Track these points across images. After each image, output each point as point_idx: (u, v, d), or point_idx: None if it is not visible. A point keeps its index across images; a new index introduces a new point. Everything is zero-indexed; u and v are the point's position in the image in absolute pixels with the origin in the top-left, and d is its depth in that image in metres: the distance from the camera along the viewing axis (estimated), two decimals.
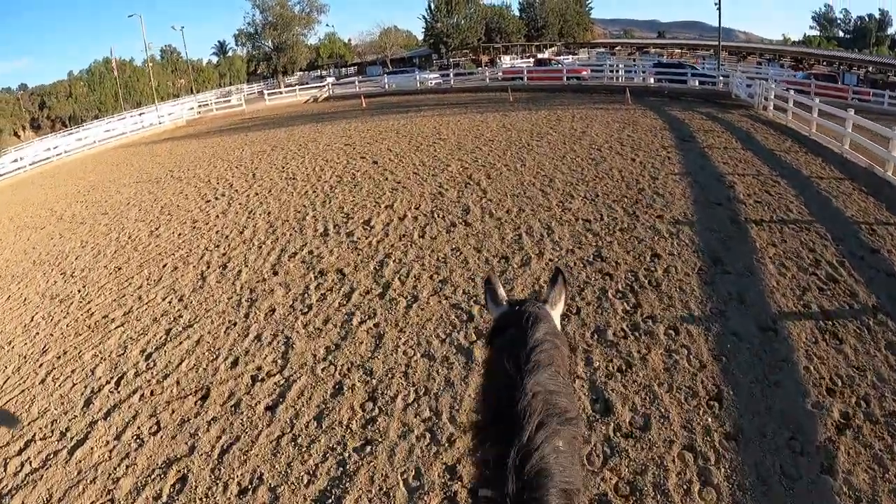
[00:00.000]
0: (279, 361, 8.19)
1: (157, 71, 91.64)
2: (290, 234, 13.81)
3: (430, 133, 25.23)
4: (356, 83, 54.46)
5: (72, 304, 11.86)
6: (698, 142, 19.27)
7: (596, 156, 17.87)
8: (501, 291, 2.38)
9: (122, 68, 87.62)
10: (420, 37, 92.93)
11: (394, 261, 11.20)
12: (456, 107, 34.78)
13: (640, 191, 13.95)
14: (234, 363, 8.32)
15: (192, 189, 21.05)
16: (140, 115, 55.25)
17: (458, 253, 11.18)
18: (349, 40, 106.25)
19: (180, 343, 9.20)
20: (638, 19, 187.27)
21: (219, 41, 76.97)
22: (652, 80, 38.74)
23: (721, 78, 35.85)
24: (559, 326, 2.24)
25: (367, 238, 12.70)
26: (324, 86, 55.63)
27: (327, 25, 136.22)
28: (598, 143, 19.62)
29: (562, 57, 65.63)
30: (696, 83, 36.52)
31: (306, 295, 10.25)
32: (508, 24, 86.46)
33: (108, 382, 8.26)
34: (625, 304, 8.62)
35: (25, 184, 34.09)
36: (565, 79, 41.72)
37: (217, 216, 16.69)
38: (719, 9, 47.62)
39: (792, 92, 23.08)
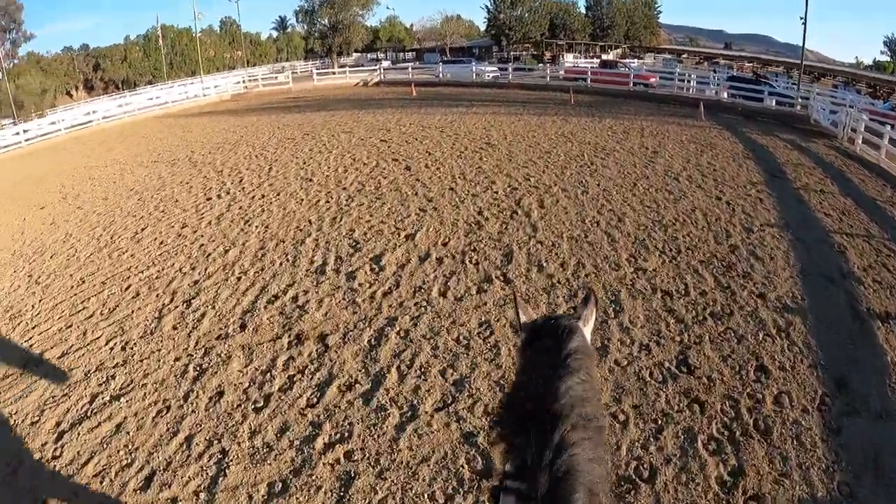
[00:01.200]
0: (201, 496, 5.40)
1: (215, 42, 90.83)
2: (280, 265, 10.84)
3: (479, 135, 22.02)
4: (409, 69, 51.22)
5: (19, 324, 9.72)
6: (790, 179, 15.63)
7: (673, 187, 14.48)
8: (529, 310, 2.46)
9: (177, 37, 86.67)
10: (482, 27, 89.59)
11: (397, 333, 8.04)
12: (511, 105, 31.35)
13: (733, 248, 10.54)
14: (147, 480, 5.67)
15: (201, 180, 18.51)
16: (185, 85, 53.32)
17: (489, 332, 7.94)
18: (411, 26, 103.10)
19: (97, 425, 6.60)
20: (704, 28, 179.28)
21: (280, 16, 75.17)
22: (725, 95, 34.91)
23: (800, 99, 31.95)
24: (589, 339, 2.30)
25: (370, 286, 9.59)
26: (375, 70, 52.57)
27: (388, 8, 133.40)
28: (674, 169, 16.20)
29: (628, 60, 61.33)
30: (773, 102, 32.61)
31: (269, 375, 7.23)
32: (574, 20, 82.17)
33: None
34: (721, 465, 5.43)
35: (56, 149, 33.33)
36: (632, 84, 37.97)
37: (209, 223, 13.96)
38: (805, 24, 43.22)
39: (888, 127, 18.88)
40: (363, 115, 30.04)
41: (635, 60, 67.86)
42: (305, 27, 76.72)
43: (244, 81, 54.41)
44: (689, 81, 38.53)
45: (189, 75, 79.54)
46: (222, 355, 7.82)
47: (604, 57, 66.85)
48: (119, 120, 43.02)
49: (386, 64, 72.34)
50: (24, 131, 40.14)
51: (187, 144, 26.23)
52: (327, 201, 14.56)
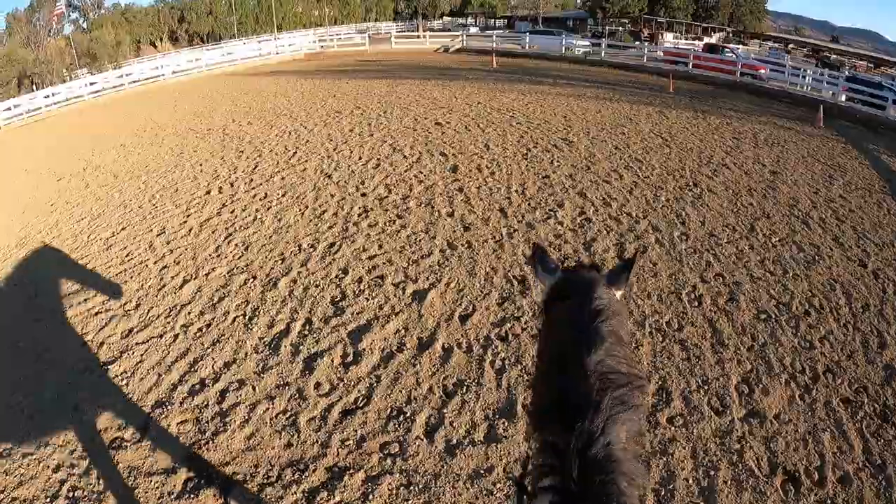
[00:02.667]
0: None
1: None
2: (231, 323, 7.52)
3: (556, 126, 17.99)
4: (493, 37, 46.90)
5: None
6: None
7: (803, 236, 10.21)
8: (552, 258, 2.24)
9: None
10: None
11: None
12: (601, 87, 26.97)
13: (890, 374, 6.42)
14: None
15: (215, 163, 15.78)
16: (259, 42, 50.84)
17: None
18: None
19: None
20: (808, 17, 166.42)
21: None
22: (843, 98, 29.92)
23: None
24: (618, 297, 2.05)
25: (328, 394, 6.01)
26: (458, 35, 48.52)
27: None
28: (801, 206, 11.81)
29: (734, 46, 55.21)
30: None
31: None
32: None
33: None
34: None
35: (114, 104, 33.40)
36: (739, 74, 33.01)
37: (189, 231, 11.03)
38: None
39: None
40: (430, 86, 26.39)
41: (739, 46, 61.54)
42: None
43: (320, 41, 51.34)
44: (803, 77, 33.32)
45: (273, 31, 77.79)
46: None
47: (707, 40, 60.75)
48: (187, 76, 41.60)
49: (473, 30, 68.02)
50: (91, 84, 39.71)
51: (233, 111, 23.76)
52: (335, 214, 11.09)
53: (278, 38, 54.20)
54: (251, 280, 8.58)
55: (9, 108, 36.48)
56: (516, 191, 12.01)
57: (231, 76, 38.93)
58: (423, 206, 11.30)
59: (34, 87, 50.53)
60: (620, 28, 69.44)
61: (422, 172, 13.33)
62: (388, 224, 10.47)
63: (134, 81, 40.33)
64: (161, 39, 79.89)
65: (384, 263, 8.91)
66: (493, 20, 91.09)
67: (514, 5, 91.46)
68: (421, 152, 14.95)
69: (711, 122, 19.83)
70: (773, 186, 12.99)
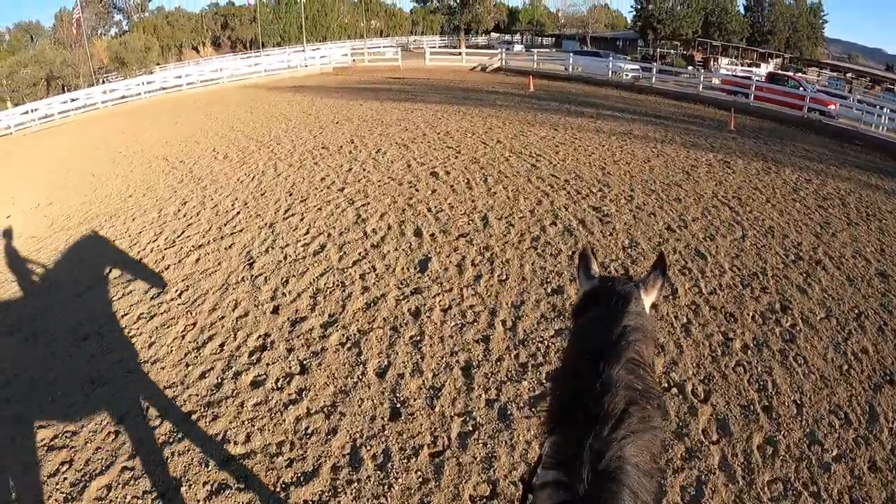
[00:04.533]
0: None
1: (349, 10, 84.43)
2: None
3: (590, 181, 13.43)
4: (535, 57, 42.25)
5: None
6: None
7: None
8: (595, 266, 2.24)
9: (311, 1, 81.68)
10: (628, 18, 78.81)
11: None
12: (651, 122, 22.21)
13: None
14: None
15: (136, 230, 11.83)
16: (288, 53, 47.37)
17: None
18: (557, 11, 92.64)
19: None
20: (861, 44, 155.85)
21: None
22: None
23: None
24: (648, 311, 2.05)
25: None
26: (496, 54, 43.87)
27: None
28: None
29: (800, 76, 49.21)
30: None
31: None
32: (731, 20, 69.71)
33: None
34: None
35: (123, 115, 32.09)
36: (806, 110, 28.18)
37: None
38: None
39: None
40: (449, 114, 21.89)
41: (798, 74, 55.74)
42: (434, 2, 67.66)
43: (353, 53, 47.39)
44: (878, 117, 27.97)
45: (320, 41, 75.67)
46: None
47: (766, 68, 55.10)
48: (208, 86, 38.76)
49: (518, 48, 63.63)
50: (111, 91, 38.01)
51: (222, 136, 20.34)
52: (217, 351, 6.68)
53: (310, 49, 50.83)
54: None
55: (26, 112, 35.08)
56: (503, 321, 7.31)
57: (253, 89, 35.46)
58: (345, 348, 6.74)
59: (64, 89, 48.39)
60: (672, 51, 64.06)
61: (374, 270, 8.75)
62: (276, 387, 6.00)
63: (153, 91, 37.95)
64: (203, 44, 77.52)
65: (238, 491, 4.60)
66: (540, 38, 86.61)
67: (562, 24, 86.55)
68: (390, 226, 10.49)
69: (788, 179, 15.08)
70: (889, 298, 8.49)
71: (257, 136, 19.19)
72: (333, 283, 8.27)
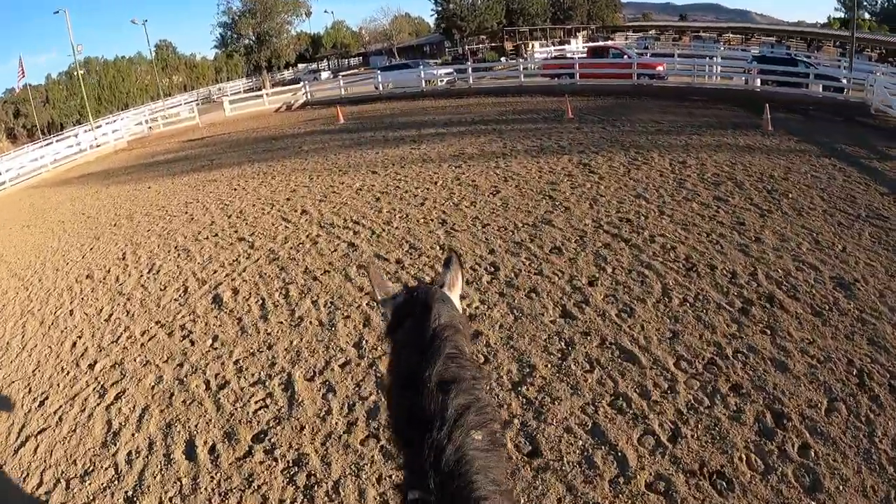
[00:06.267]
0: None
1: (148, 69, 77.13)
2: None
3: (431, 241, 9.52)
4: (340, 83, 37.98)
5: None
6: None
7: None
8: (387, 282, 2.02)
9: (105, 69, 74.05)
10: (431, 22, 75.99)
11: None
12: (482, 131, 18.50)
13: None
14: None
15: None
16: (77, 135, 40.27)
17: None
18: (360, 29, 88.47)
19: None
20: (651, 2, 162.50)
21: (220, 34, 61.60)
22: (759, 83, 23.67)
23: (845, 81, 21.87)
24: (459, 306, 1.91)
25: None
26: (299, 89, 39.27)
27: (325, 12, 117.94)
28: None
29: (610, 43, 47.36)
30: (820, 88, 22.12)
31: None
32: (532, 4, 68.46)
33: None
34: None
35: None
36: (636, 76, 25.84)
37: None
38: None
39: None
40: (248, 179, 17.18)
41: (608, 42, 54.38)
42: (227, 44, 61.50)
43: (146, 122, 41.26)
44: (712, 68, 26.14)
45: (121, 108, 68.05)
46: None
47: (575, 43, 53.29)
48: None
49: (325, 75, 59.24)
50: None
51: None
52: None
53: (104, 122, 44.26)
54: None
55: None
56: None
57: (38, 188, 28.65)
58: None
59: None
60: (481, 45, 61.44)
61: None
62: None
63: None
64: None
65: None
66: (347, 60, 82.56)
67: (367, 41, 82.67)
68: (151, 443, 5.68)
69: (663, 170, 12.08)
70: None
71: (18, 270, 13.93)
72: None
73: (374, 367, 6.19)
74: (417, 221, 10.64)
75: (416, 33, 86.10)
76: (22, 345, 9.35)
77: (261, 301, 8.48)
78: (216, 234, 12.32)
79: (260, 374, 6.60)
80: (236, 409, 6.04)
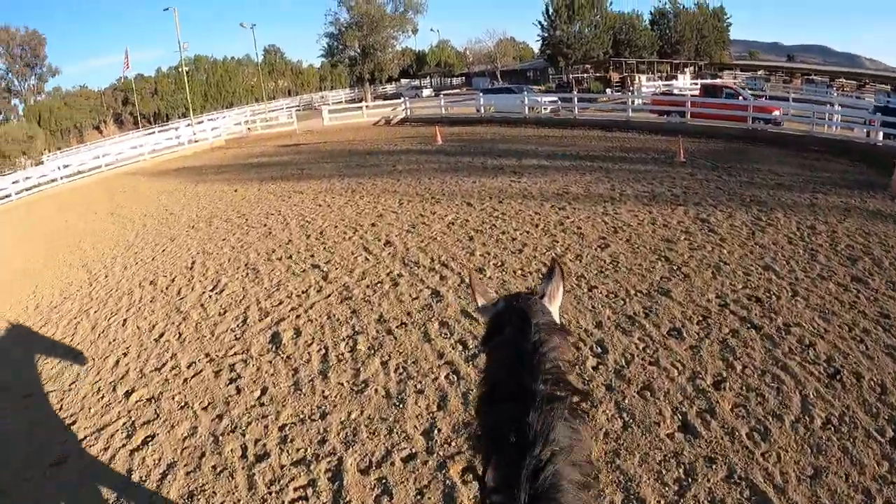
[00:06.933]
0: None
1: (254, 71, 78.82)
2: None
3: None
4: (441, 101, 37.10)
5: None
6: None
7: None
8: (488, 289, 2.12)
9: (213, 67, 76.00)
10: (535, 48, 74.59)
11: None
12: (588, 170, 16.83)
13: None
14: None
15: None
16: (178, 129, 40.99)
17: None
18: (465, 49, 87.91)
19: None
20: (759, 41, 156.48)
21: (327, 44, 62.16)
22: (881, 136, 20.78)
23: None
24: (558, 319, 1.95)
25: None
26: (400, 104, 38.51)
27: (431, 30, 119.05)
28: None
29: (720, 82, 44.86)
30: None
31: None
32: (640, 36, 66.11)
33: None
34: None
35: None
36: (750, 120, 23.59)
37: None
38: None
39: None
40: (334, 196, 16.40)
41: (717, 80, 51.69)
42: (333, 53, 61.65)
43: (249, 121, 41.46)
44: (828, 116, 23.62)
45: (226, 107, 70.45)
46: None
47: (682, 79, 50.89)
48: (95, 174, 32.24)
49: (427, 92, 58.82)
50: None
51: (55, 266, 14.54)
52: None
53: (207, 119, 44.91)
54: None
55: None
56: None
57: (132, 176, 29.23)
58: None
59: None
60: (585, 75, 59.58)
61: None
62: None
63: (24, 189, 30.82)
64: (105, 123, 70.45)
65: None
66: (450, 79, 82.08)
67: (471, 61, 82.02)
68: None
69: (792, 236, 10.14)
70: None
71: (90, 262, 13.57)
72: None
73: (443, 471, 4.83)
74: (514, 273, 9.20)
75: (520, 58, 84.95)
76: (66, 351, 8.50)
77: (324, 351, 7.25)
78: (290, 256, 11.29)
79: (306, 450, 5.35)
80: (270, 493, 4.85)
